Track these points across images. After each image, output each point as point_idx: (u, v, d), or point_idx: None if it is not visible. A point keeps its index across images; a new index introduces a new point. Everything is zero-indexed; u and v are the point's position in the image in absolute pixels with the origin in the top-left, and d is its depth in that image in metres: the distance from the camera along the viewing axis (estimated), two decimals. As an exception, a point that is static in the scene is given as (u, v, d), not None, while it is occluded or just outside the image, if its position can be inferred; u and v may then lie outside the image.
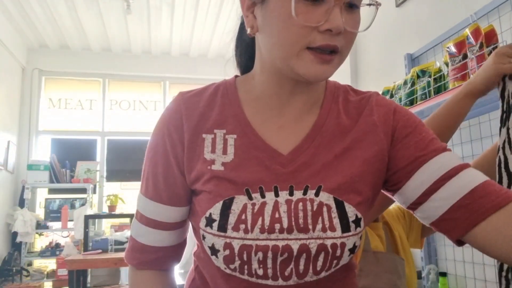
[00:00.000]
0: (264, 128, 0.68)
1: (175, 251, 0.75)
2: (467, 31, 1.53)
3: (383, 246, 1.16)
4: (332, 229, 0.62)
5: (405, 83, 1.97)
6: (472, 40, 1.51)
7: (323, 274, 0.63)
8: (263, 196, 0.63)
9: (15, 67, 4.68)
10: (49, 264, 4.44)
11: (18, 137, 4.69)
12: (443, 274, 1.92)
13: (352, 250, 0.64)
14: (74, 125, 5.11)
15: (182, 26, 4.56)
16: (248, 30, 0.67)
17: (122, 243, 3.81)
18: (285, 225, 0.61)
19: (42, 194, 4.82)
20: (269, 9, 0.62)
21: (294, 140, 0.67)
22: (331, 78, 0.68)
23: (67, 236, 4.52)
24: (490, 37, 1.48)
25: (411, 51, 2.35)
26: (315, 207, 0.62)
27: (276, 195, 0.63)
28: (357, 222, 0.63)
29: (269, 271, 0.62)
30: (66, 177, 4.59)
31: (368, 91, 0.75)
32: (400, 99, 1.98)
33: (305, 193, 0.63)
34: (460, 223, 0.62)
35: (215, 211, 0.63)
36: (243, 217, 0.61)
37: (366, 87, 3.00)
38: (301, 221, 0.62)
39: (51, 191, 4.81)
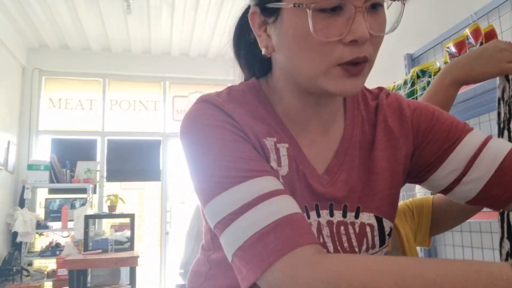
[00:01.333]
0: (300, 142, 0.64)
1: None
2: (467, 31, 1.53)
3: (389, 244, 1.15)
4: (373, 246, 0.62)
5: (405, 83, 1.97)
6: (472, 40, 1.51)
7: None
8: (308, 216, 0.60)
9: (15, 67, 4.68)
10: (49, 264, 4.44)
11: (18, 137, 4.69)
12: (443, 274, 1.92)
13: None
14: (74, 125, 5.11)
15: (182, 26, 4.56)
16: (263, 51, 0.61)
17: (122, 243, 3.82)
18: (331, 249, 0.59)
19: (42, 194, 4.82)
20: (284, 27, 0.56)
21: (326, 156, 0.64)
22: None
23: (67, 236, 4.52)
24: (490, 37, 1.48)
25: (411, 51, 2.35)
26: (357, 229, 0.61)
27: (318, 215, 0.60)
28: (390, 233, 0.64)
29: None
30: (66, 177, 4.59)
31: (379, 88, 0.72)
32: (400, 99, 1.98)
33: (344, 215, 0.61)
34: (497, 198, 0.62)
35: None
36: None
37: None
38: (346, 244, 0.60)
39: (51, 191, 4.80)
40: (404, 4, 0.56)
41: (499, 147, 0.62)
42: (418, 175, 0.68)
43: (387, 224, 0.64)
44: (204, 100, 0.62)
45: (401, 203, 1.34)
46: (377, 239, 0.62)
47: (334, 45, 0.53)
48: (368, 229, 0.62)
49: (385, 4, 0.56)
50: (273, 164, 0.60)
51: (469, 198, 0.64)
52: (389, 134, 0.66)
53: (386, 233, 0.63)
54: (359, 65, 0.54)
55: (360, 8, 0.51)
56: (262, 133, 0.61)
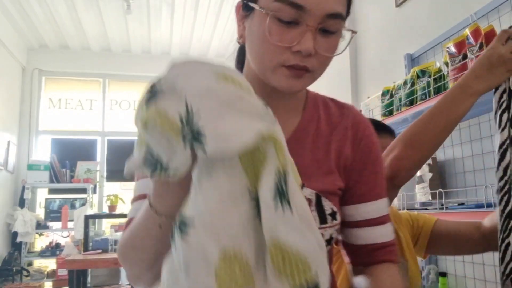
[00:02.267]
0: None
1: None
2: (467, 31, 1.53)
3: None
4: None
5: (405, 83, 1.97)
6: (472, 40, 1.51)
7: None
8: None
9: (15, 67, 4.68)
10: (49, 264, 4.44)
11: (18, 137, 4.69)
12: (443, 274, 1.92)
13: (328, 241, 0.69)
14: (74, 125, 5.11)
15: (182, 26, 4.57)
16: (237, 39, 0.73)
17: (122, 243, 3.81)
18: None
19: (42, 194, 4.82)
20: (252, 23, 0.67)
21: None
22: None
23: (67, 236, 4.52)
24: (490, 37, 1.48)
25: (411, 51, 2.35)
26: None
27: None
28: (333, 215, 0.70)
29: None
30: (66, 177, 4.59)
31: (347, 103, 0.80)
32: (400, 99, 1.98)
33: None
34: (358, 259, 0.75)
35: None
36: None
37: (366, 87, 3.00)
38: None
39: (51, 191, 4.81)
40: (352, 36, 0.67)
41: (386, 232, 0.73)
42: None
43: (327, 204, 0.69)
44: None
45: (404, 212, 1.35)
46: (315, 214, 0.68)
47: (284, 50, 0.64)
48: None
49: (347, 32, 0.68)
50: None
51: (347, 241, 0.76)
52: (343, 140, 0.74)
53: (327, 212, 0.69)
54: (300, 71, 0.65)
55: (311, 27, 0.62)
56: None
